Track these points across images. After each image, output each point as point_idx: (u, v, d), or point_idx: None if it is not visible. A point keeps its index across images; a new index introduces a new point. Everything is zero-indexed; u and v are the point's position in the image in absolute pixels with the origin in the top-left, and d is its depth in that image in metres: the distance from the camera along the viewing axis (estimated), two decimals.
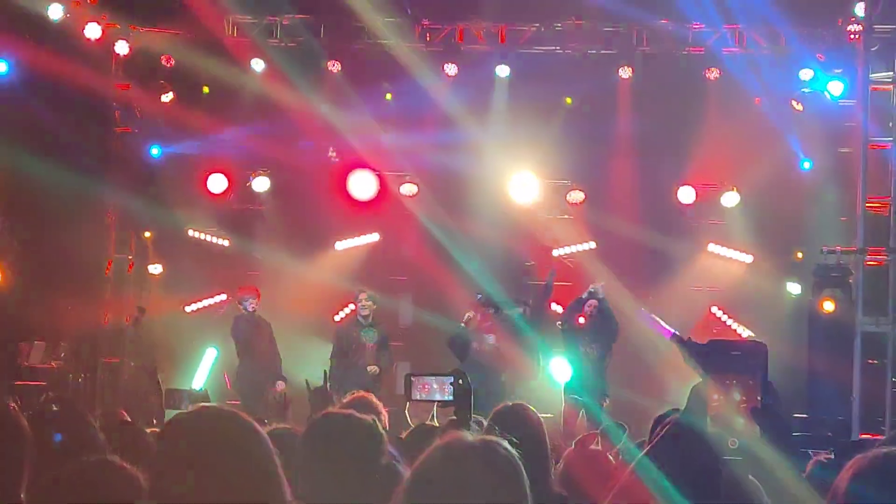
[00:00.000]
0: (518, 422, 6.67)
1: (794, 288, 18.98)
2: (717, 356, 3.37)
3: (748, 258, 19.52)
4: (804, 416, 16.32)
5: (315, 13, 19.31)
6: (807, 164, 18.86)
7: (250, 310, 17.63)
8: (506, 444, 3.21)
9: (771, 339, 16.81)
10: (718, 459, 3.44)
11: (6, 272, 17.68)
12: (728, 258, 19.72)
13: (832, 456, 12.99)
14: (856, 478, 3.89)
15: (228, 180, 19.84)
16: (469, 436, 3.30)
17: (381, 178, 19.66)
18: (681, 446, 3.43)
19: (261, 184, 19.87)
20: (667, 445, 3.53)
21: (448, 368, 10.16)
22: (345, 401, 9.03)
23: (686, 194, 19.40)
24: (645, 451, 3.58)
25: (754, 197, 19.23)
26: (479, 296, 17.17)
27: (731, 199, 19.41)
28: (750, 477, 4.22)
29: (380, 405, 7.77)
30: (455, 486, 3.12)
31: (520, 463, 3.20)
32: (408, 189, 19.77)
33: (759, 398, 3.45)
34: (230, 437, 3.30)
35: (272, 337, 17.71)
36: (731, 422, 3.39)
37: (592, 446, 8.88)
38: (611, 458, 7.36)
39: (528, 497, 3.25)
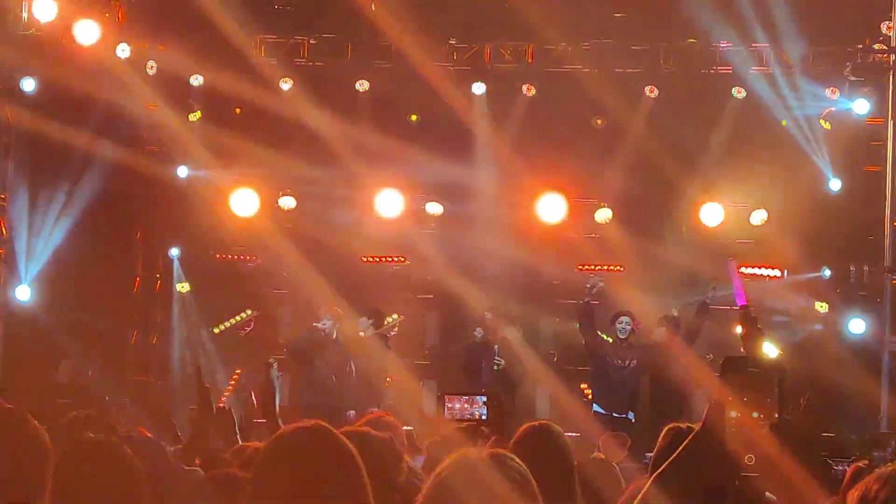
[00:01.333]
0: (544, 441, 6.68)
1: (821, 307, 18.89)
2: (734, 373, 3.37)
3: (776, 273, 19.38)
4: (831, 435, 16.27)
5: (342, 33, 19.36)
6: (834, 184, 18.79)
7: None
8: (514, 457, 3.24)
9: (799, 359, 16.92)
10: (732, 477, 3.45)
11: (34, 290, 17.79)
12: (757, 276, 19.64)
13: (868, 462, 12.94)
14: (864, 497, 3.89)
15: (256, 200, 19.85)
16: (480, 451, 3.33)
17: (406, 197, 19.66)
18: (695, 462, 3.43)
19: (288, 203, 19.85)
20: (683, 461, 3.53)
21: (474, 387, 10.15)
22: (362, 419, 9.06)
23: (712, 213, 19.35)
24: (661, 466, 3.58)
25: (782, 216, 19.18)
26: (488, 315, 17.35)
27: (758, 217, 19.35)
28: (767, 494, 4.21)
29: (397, 422, 7.75)
30: (470, 495, 3.14)
31: (529, 475, 3.22)
32: (434, 208, 19.79)
33: (776, 415, 3.45)
34: (335, 456, 3.28)
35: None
36: (748, 439, 3.40)
37: (597, 454, 8.88)
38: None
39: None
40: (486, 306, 17.79)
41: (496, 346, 17.27)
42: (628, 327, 17.10)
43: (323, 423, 3.46)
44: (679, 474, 3.43)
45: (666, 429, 4.73)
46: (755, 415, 3.45)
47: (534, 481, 3.36)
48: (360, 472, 3.34)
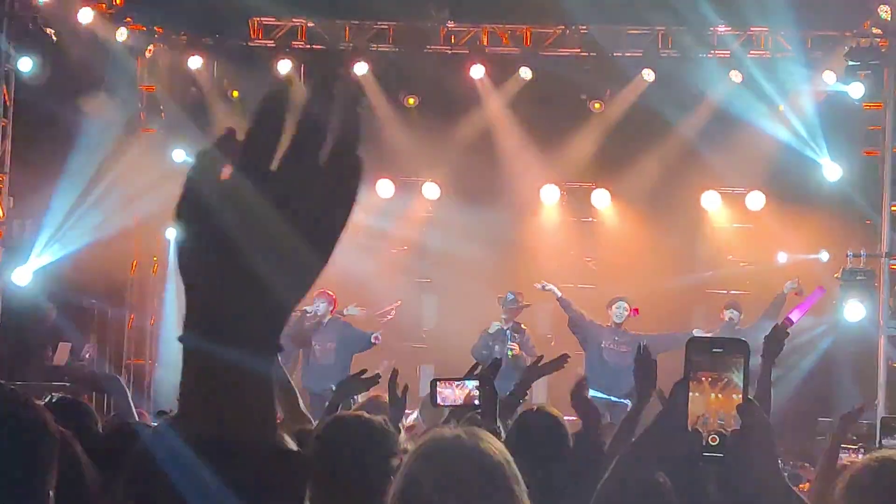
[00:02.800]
0: (542, 425, 6.67)
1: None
2: (698, 354, 3.35)
3: (783, 258, 19.26)
4: (828, 419, 16.26)
5: (339, 16, 19.35)
6: (832, 168, 18.76)
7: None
8: (488, 435, 3.21)
9: (794, 343, 16.91)
10: (695, 457, 3.43)
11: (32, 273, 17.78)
12: (751, 264, 19.63)
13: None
14: (850, 487, 3.89)
15: None
16: (450, 431, 3.30)
17: (401, 181, 19.65)
18: (658, 442, 3.44)
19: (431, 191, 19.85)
20: (646, 441, 3.54)
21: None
22: (357, 403, 9.04)
23: (710, 199, 19.36)
24: (627, 446, 3.59)
25: (779, 201, 19.16)
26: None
27: (756, 202, 19.34)
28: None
29: (384, 398, 7.74)
30: (440, 482, 3.12)
31: (505, 454, 3.21)
32: (431, 191, 19.79)
33: (739, 396, 3.43)
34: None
35: None
36: (709, 420, 3.38)
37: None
38: None
39: (517, 484, 3.25)
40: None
41: (508, 332, 17.19)
42: (625, 313, 17.09)
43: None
44: (642, 454, 3.44)
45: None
46: (718, 395, 3.43)
47: (510, 462, 3.33)
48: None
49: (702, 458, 3.45)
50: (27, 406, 3.53)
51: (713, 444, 3.43)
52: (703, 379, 3.49)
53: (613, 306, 17.16)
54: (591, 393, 16.40)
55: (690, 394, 3.48)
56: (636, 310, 17.27)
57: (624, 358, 16.72)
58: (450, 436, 3.32)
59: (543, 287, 17.27)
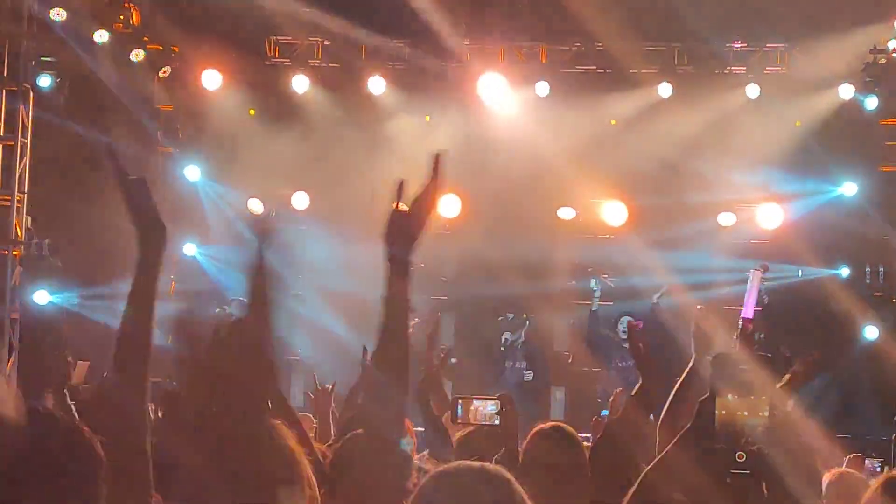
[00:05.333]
0: (558, 443, 6.64)
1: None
2: (725, 370, 3.36)
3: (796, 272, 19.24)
4: (847, 436, 16.21)
5: (356, 34, 19.38)
6: (849, 187, 18.73)
7: None
8: (500, 469, 3.21)
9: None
10: (722, 474, 3.44)
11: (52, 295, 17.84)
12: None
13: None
14: (887, 484, 3.88)
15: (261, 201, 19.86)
16: (464, 466, 3.30)
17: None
18: (685, 459, 3.43)
19: (300, 201, 19.88)
20: (672, 457, 3.53)
21: (488, 390, 10.10)
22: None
23: (726, 215, 19.33)
24: (654, 464, 3.58)
25: (797, 216, 19.12)
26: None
27: (773, 218, 19.28)
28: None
29: (409, 426, 7.69)
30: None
31: (516, 486, 3.20)
32: (449, 207, 19.77)
33: (766, 414, 3.43)
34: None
35: None
36: (738, 435, 3.39)
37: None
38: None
39: None
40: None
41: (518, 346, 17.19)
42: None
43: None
44: (669, 470, 3.43)
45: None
46: (744, 413, 3.43)
47: (522, 494, 3.32)
48: None
49: (730, 475, 3.45)
50: (74, 431, 3.51)
51: (740, 461, 3.43)
52: (730, 396, 3.49)
53: (618, 323, 17.21)
54: (604, 413, 16.49)
55: (717, 411, 3.48)
56: (639, 322, 17.24)
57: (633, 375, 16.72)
58: (474, 464, 3.32)
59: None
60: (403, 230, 3.69)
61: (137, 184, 4.08)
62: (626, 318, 17.22)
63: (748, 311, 6.62)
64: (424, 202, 3.66)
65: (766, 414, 3.38)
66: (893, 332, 17.30)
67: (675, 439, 3.50)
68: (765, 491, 3.36)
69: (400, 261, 3.71)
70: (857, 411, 17.48)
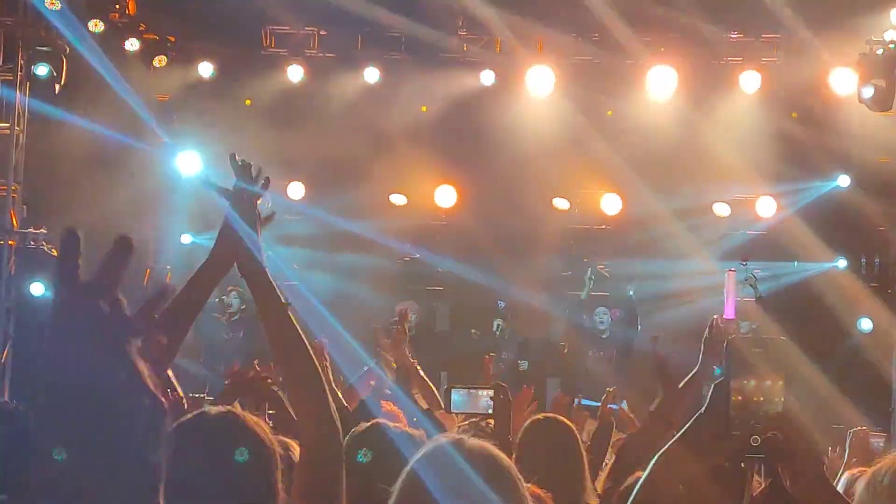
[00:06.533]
0: (551, 433, 6.65)
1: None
2: (739, 354, 3.35)
3: (791, 265, 19.28)
4: (840, 426, 16.24)
5: (352, 24, 19.36)
6: (845, 176, 18.77)
7: None
8: (495, 448, 3.22)
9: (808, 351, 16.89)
10: (737, 460, 3.43)
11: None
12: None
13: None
14: (872, 480, 3.89)
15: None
16: (455, 437, 3.31)
17: (416, 188, 19.67)
18: (698, 444, 3.42)
19: (296, 191, 19.93)
20: (685, 443, 3.51)
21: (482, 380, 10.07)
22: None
23: (721, 206, 19.37)
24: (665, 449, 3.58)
25: (793, 208, 19.14)
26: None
27: (769, 209, 19.31)
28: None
29: (400, 414, 7.67)
30: (446, 487, 3.12)
31: (512, 466, 3.21)
32: (444, 197, 19.80)
33: (781, 399, 3.42)
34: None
35: None
36: (753, 420, 3.38)
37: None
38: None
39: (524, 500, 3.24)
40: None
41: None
42: (605, 317, 17.15)
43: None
44: (680, 457, 3.42)
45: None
46: (760, 397, 3.42)
47: (518, 476, 3.33)
48: None
49: (744, 459, 3.44)
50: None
51: (755, 445, 3.42)
52: (744, 380, 3.48)
53: (594, 314, 17.25)
54: (584, 402, 16.50)
55: (731, 396, 3.46)
56: (615, 312, 17.31)
57: (608, 365, 16.75)
58: (455, 438, 3.33)
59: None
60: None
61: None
62: (601, 309, 17.25)
63: (729, 311, 6.63)
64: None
65: (781, 399, 3.36)
66: (889, 323, 17.32)
67: (686, 425, 3.50)
68: (782, 476, 3.36)
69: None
70: (852, 403, 17.50)
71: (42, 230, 17.63)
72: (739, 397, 3.46)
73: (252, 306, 17.02)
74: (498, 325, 18.25)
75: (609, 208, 19.68)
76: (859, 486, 3.97)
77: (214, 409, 3.74)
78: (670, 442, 3.52)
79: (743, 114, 18.90)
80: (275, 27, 19.53)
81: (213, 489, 3.46)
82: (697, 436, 3.39)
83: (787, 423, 3.42)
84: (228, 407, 3.87)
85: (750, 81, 18.73)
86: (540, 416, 7.06)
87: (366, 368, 8.26)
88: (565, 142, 19.05)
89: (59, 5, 17.07)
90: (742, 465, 3.45)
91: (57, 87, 17.71)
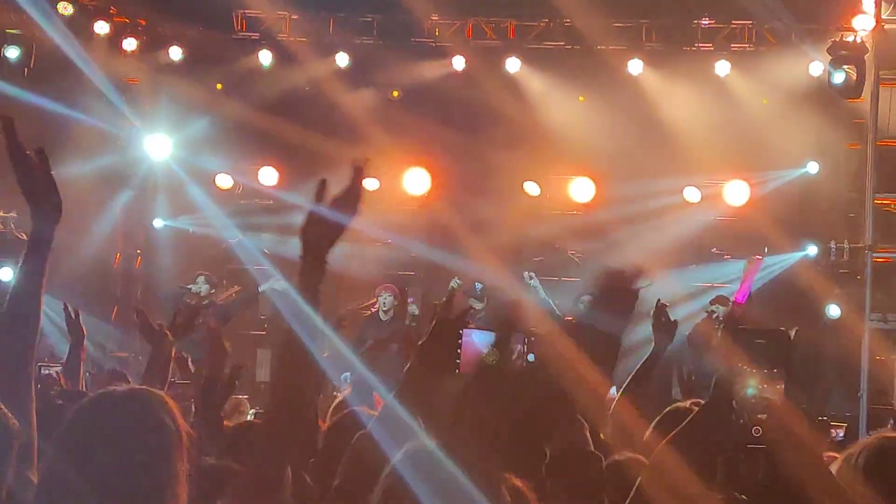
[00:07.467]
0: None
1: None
2: (741, 345, 3.37)
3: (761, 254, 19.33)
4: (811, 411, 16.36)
5: (324, 9, 19.32)
6: (815, 162, 18.84)
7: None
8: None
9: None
10: (739, 450, 3.46)
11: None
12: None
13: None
14: (847, 459, 3.93)
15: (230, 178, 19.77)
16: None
17: (387, 173, 19.62)
18: (703, 435, 3.45)
19: (268, 176, 19.81)
20: (689, 434, 3.53)
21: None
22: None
23: (692, 192, 19.39)
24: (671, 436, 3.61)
25: (763, 193, 19.19)
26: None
27: (740, 195, 19.34)
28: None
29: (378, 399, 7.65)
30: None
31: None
32: (415, 182, 19.75)
33: (783, 388, 3.45)
34: None
35: None
36: (754, 412, 3.41)
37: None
38: None
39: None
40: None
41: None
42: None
43: None
44: (686, 447, 3.44)
45: (668, 409, 4.73)
46: (762, 388, 3.45)
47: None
48: None
49: (746, 449, 3.47)
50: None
51: (757, 435, 3.45)
52: (747, 370, 3.50)
53: (580, 302, 17.30)
54: None
55: (735, 386, 3.49)
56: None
57: None
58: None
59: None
60: (321, 231, 3.66)
61: (37, 155, 4.00)
62: (586, 297, 17.26)
63: (741, 295, 6.68)
64: (344, 207, 3.63)
65: (782, 387, 3.39)
66: (857, 309, 17.40)
67: (689, 417, 3.52)
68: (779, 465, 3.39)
69: (313, 260, 3.66)
70: (821, 388, 17.62)
71: (12, 214, 17.54)
72: (742, 387, 3.48)
73: (220, 292, 17.10)
74: (472, 306, 18.18)
75: (580, 194, 19.66)
76: (832, 470, 4.01)
77: (120, 389, 3.56)
78: (673, 433, 3.54)
79: (713, 101, 18.94)
80: (246, 11, 19.44)
81: (102, 476, 3.33)
82: (704, 424, 3.41)
83: (787, 414, 3.44)
84: (137, 386, 3.71)
85: (721, 68, 18.78)
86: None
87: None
88: (537, 127, 19.07)
89: None
90: (744, 456, 3.48)
91: (26, 70, 17.62)
